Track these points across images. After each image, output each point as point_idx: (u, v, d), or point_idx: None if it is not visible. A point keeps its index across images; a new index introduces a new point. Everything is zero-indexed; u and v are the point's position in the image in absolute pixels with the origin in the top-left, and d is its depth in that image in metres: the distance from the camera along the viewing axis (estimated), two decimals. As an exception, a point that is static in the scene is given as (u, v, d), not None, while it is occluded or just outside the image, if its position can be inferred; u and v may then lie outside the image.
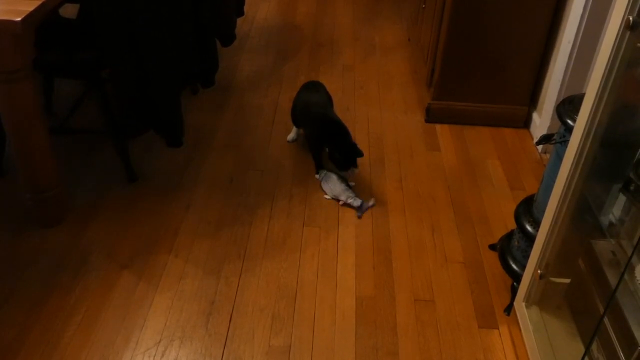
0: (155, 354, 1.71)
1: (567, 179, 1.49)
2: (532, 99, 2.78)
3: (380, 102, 2.97)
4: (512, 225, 2.16)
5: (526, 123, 2.81)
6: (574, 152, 1.46)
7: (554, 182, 1.58)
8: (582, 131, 1.42)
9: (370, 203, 2.28)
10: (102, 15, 1.91)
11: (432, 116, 2.81)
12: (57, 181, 2.09)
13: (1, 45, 1.69)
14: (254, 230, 2.16)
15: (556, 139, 1.70)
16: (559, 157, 1.66)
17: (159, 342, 1.75)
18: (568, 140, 1.58)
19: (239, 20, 3.38)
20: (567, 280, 1.64)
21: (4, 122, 1.90)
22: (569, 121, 1.60)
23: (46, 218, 2.12)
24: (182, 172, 2.44)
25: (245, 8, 3.16)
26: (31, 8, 1.65)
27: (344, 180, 2.32)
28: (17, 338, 1.74)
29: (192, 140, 2.61)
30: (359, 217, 2.23)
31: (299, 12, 3.93)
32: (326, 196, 2.31)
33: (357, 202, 2.25)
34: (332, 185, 2.31)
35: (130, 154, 2.34)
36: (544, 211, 1.64)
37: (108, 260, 2.01)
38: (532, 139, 2.73)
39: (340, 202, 2.28)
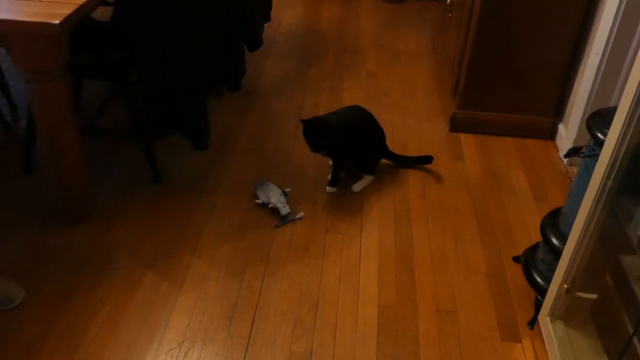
0: (178, 355, 1.72)
1: (596, 193, 1.48)
2: (558, 111, 2.76)
3: (404, 110, 2.97)
4: (536, 237, 2.15)
5: (551, 134, 2.80)
6: (605, 167, 1.45)
7: (582, 195, 1.57)
8: (613, 145, 1.41)
9: (298, 216, 2.23)
10: (134, 19, 1.93)
11: (457, 125, 2.80)
12: (84, 180, 2.11)
13: (38, 46, 1.73)
14: (277, 234, 2.17)
15: (585, 153, 1.68)
16: (587, 171, 1.65)
17: (182, 342, 1.76)
18: (598, 154, 1.57)
19: (265, 26, 3.40)
20: (594, 296, 1.62)
21: (37, 121, 1.93)
22: (599, 135, 1.59)
23: (72, 216, 2.14)
24: (206, 174, 2.45)
25: (272, 13, 3.18)
26: (69, 11, 1.68)
27: (279, 187, 2.29)
28: (41, 333, 1.76)
29: (217, 143, 2.62)
30: (277, 227, 2.19)
31: (324, 18, 3.95)
32: (257, 200, 2.28)
33: (284, 211, 2.20)
34: (267, 190, 2.27)
35: (155, 156, 2.36)
36: (570, 225, 1.63)
37: (132, 260, 2.03)
38: (558, 150, 2.71)
39: (270, 206, 2.24)
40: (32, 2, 1.77)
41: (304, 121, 2.25)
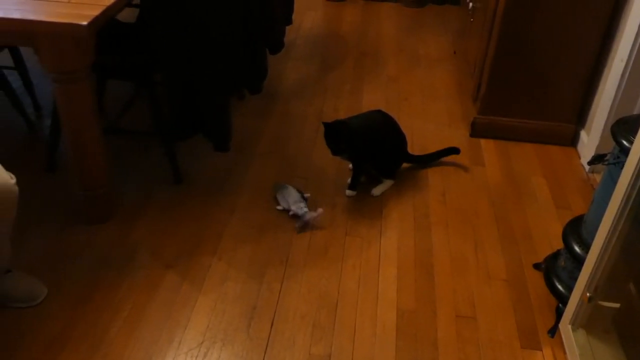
0: (197, 355, 1.74)
1: (621, 201, 1.47)
2: (580, 117, 2.74)
3: (424, 114, 2.96)
4: (557, 244, 2.13)
5: (573, 141, 2.78)
6: (630, 175, 1.44)
7: (606, 203, 1.56)
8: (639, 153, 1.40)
9: (316, 214, 2.19)
10: (158, 21, 1.95)
11: (477, 131, 2.79)
12: (107, 180, 2.13)
13: (66, 47, 1.75)
14: (297, 237, 2.18)
15: (610, 160, 1.67)
16: (611, 178, 1.64)
17: (202, 343, 1.77)
18: (623, 162, 1.56)
19: (286, 29, 3.41)
20: (617, 305, 1.61)
21: (62, 120, 1.95)
22: (625, 142, 1.58)
23: (95, 215, 2.17)
24: (227, 176, 2.47)
25: (293, 16, 3.19)
26: (96, 12, 1.71)
27: (299, 192, 2.28)
28: (63, 331, 1.78)
29: (237, 145, 2.64)
30: (297, 230, 2.18)
31: (345, 22, 3.95)
32: (278, 207, 2.28)
33: (301, 211, 2.18)
34: (286, 194, 2.27)
35: (177, 156, 2.38)
36: (593, 233, 1.61)
37: (153, 259, 2.05)
38: (579, 157, 2.69)
39: (290, 213, 2.23)
40: (60, 3, 1.80)
41: (325, 124, 2.26)
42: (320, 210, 2.21)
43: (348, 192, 2.37)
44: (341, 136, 2.25)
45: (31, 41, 1.78)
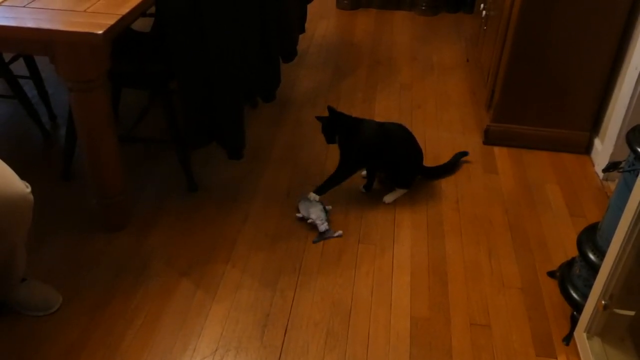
0: (211, 363, 1.74)
1: (637, 209, 1.46)
2: (595, 125, 2.72)
3: (437, 122, 2.96)
4: (571, 252, 2.12)
5: (587, 149, 2.76)
6: (646, 182, 1.43)
7: (621, 211, 1.55)
8: (655, 161, 1.39)
9: (336, 234, 2.21)
10: (173, 30, 1.97)
11: (491, 138, 2.79)
12: (122, 188, 2.15)
13: (82, 55, 1.77)
14: (310, 244, 2.18)
15: (625, 168, 1.66)
16: (627, 186, 1.63)
17: (216, 351, 1.78)
18: (638, 169, 1.55)
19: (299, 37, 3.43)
20: (632, 313, 1.60)
21: (78, 128, 1.97)
22: (640, 150, 1.57)
23: (110, 223, 2.18)
24: (240, 183, 2.48)
25: (306, 25, 3.21)
26: (112, 22, 1.73)
27: (322, 203, 2.27)
28: (79, 339, 1.80)
29: (250, 153, 2.65)
30: (314, 242, 2.18)
31: (358, 30, 3.97)
32: (298, 214, 2.28)
33: (322, 227, 2.19)
34: (308, 205, 2.26)
35: (191, 165, 2.39)
36: (608, 240, 1.60)
37: (168, 267, 2.06)
38: (593, 165, 2.67)
39: (309, 221, 2.23)
40: (76, 13, 1.82)
41: (329, 111, 2.34)
42: (339, 232, 2.22)
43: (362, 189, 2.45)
44: (334, 126, 2.35)
45: (47, 50, 1.80)
